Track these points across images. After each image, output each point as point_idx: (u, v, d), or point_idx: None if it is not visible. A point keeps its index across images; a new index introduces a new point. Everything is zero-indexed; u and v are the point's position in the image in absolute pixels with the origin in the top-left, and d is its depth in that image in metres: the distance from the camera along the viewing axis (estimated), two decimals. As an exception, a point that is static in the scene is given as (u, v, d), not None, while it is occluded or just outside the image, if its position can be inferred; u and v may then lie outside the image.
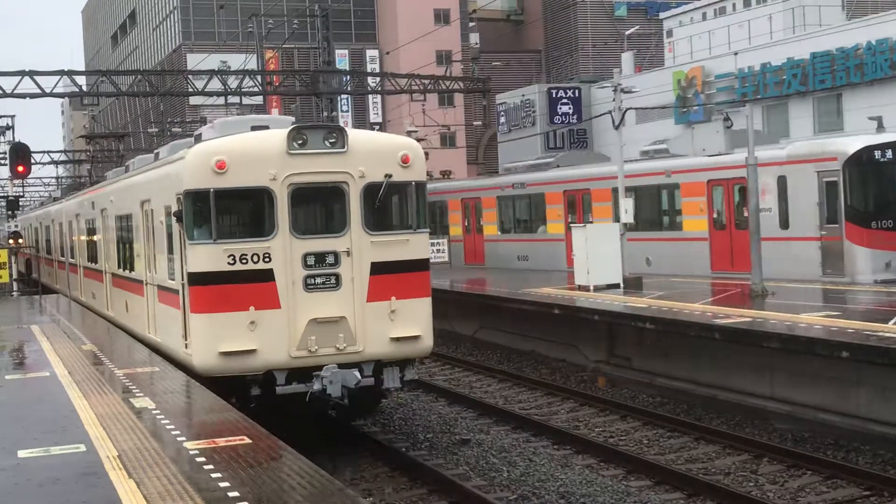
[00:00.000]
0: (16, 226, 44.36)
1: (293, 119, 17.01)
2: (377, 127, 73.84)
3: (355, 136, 14.40)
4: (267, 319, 13.55)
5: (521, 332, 25.01)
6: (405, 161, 14.38)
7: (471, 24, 72.16)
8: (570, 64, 71.48)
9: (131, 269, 18.61)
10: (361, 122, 74.07)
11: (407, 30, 67.92)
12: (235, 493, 7.59)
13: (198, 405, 11.40)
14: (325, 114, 37.44)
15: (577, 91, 49.11)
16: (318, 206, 14.48)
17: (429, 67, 50.78)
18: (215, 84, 37.13)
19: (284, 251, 13.69)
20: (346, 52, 71.09)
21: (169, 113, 66.69)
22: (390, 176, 14.18)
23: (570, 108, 48.60)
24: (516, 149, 45.64)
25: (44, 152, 58.30)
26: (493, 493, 13.04)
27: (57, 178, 71.71)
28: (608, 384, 20.32)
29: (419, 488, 13.40)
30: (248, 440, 9.37)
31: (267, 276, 13.62)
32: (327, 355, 13.72)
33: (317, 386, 13.52)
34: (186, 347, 14.22)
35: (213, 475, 8.14)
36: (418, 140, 23.08)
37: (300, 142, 13.88)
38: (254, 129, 14.92)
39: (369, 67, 69.64)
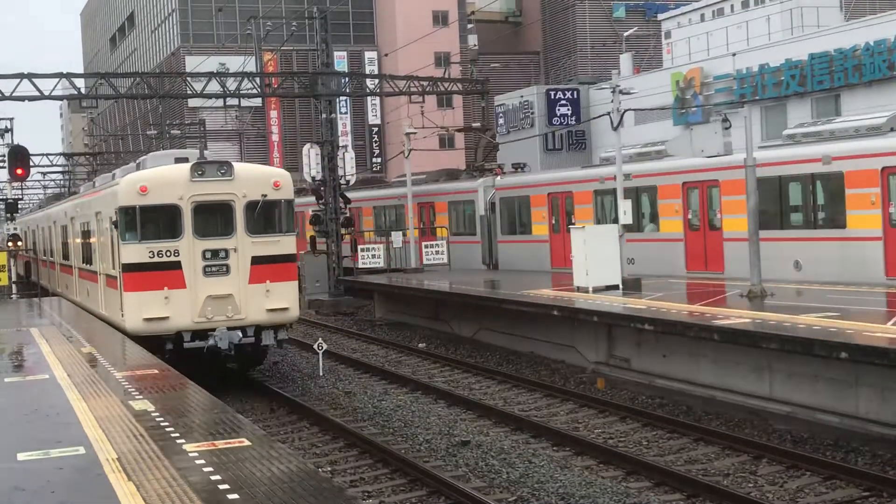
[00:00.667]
0: (15, 228, 44.28)
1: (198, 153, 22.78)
2: (376, 128, 74.06)
3: (240, 167, 20.21)
4: (176, 296, 19.02)
5: (520, 334, 25.01)
6: (276, 185, 19.85)
7: (469, 26, 72.21)
8: (568, 65, 71.50)
9: (90, 263, 23.59)
10: (360, 123, 74.17)
11: (405, 31, 67.99)
12: (235, 496, 7.60)
13: (197, 407, 11.40)
14: (324, 115, 37.38)
15: (575, 92, 49.08)
16: (213, 217, 19.57)
17: (427, 69, 50.89)
18: (214, 86, 37.10)
19: (189, 248, 19.15)
20: (345, 53, 71.11)
21: (168, 115, 66.79)
22: (265, 196, 19.56)
23: (568, 110, 48.58)
24: (516, 149, 45.58)
25: (42, 155, 58.46)
26: (492, 494, 13.04)
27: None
28: (607, 385, 20.33)
29: (418, 490, 13.41)
30: (247, 442, 9.39)
31: (176, 265, 19.05)
32: (220, 321, 19.13)
33: (211, 342, 18.98)
34: (122, 316, 19.46)
35: (213, 477, 8.15)
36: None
37: (200, 172, 19.34)
38: (177, 160, 21.12)
39: (368, 69, 69.68)
